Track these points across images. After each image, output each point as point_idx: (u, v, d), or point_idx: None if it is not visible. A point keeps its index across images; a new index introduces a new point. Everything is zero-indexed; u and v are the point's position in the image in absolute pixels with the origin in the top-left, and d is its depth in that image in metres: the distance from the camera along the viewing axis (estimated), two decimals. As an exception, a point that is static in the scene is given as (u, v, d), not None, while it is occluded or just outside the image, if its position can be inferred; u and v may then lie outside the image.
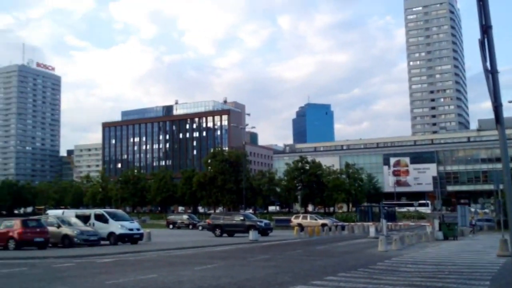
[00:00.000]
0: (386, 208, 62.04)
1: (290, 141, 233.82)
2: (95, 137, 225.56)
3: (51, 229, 24.92)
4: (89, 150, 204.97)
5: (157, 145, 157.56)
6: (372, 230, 36.68)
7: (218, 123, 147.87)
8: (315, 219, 51.95)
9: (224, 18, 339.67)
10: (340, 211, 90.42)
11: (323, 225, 47.18)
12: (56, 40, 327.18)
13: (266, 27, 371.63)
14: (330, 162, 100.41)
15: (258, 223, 37.97)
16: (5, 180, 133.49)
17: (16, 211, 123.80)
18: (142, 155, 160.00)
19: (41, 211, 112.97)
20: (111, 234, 27.48)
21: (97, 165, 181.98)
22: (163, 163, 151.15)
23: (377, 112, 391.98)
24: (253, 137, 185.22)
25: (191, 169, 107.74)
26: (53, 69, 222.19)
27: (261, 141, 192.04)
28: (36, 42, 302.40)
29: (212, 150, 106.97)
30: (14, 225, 23.77)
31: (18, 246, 22.96)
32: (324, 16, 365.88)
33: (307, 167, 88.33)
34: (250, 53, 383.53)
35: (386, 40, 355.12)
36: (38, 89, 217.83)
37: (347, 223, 52.59)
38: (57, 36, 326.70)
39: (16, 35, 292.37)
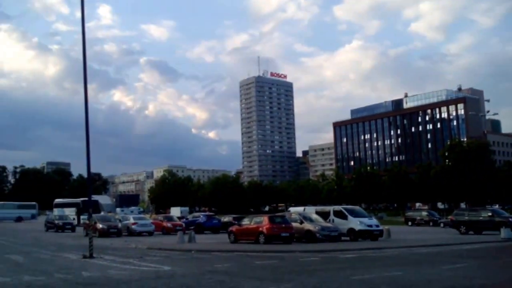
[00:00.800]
0: None
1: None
2: (327, 137, 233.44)
3: (294, 225, 26.20)
4: (322, 149, 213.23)
5: (388, 140, 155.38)
6: None
7: (453, 113, 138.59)
8: None
9: (452, 1, 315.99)
10: None
11: None
12: (286, 50, 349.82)
13: (502, 2, 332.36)
14: None
15: (510, 219, 33.82)
16: (251, 181, 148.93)
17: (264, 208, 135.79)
18: (373, 151, 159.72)
19: (278, 208, 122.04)
20: (350, 230, 27.63)
21: (331, 164, 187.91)
22: (396, 158, 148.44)
23: None
24: (495, 124, 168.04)
25: (426, 163, 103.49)
26: (285, 77, 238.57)
27: (505, 129, 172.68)
28: (269, 54, 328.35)
29: (448, 142, 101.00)
30: (263, 221, 25.64)
31: (267, 240, 24.63)
32: None
33: None
34: (485, 34, 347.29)
35: None
36: (273, 97, 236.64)
37: None
38: (286, 46, 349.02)
39: (252, 50, 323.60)
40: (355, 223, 27.69)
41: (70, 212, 57.47)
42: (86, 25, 20.84)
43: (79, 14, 21.04)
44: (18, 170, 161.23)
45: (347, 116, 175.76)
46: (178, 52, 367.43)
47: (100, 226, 33.79)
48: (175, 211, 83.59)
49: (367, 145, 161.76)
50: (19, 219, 74.64)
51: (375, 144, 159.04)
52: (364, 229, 27.51)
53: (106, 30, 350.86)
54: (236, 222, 32.50)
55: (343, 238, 27.15)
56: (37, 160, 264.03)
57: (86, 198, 26.07)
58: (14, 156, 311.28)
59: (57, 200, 71.90)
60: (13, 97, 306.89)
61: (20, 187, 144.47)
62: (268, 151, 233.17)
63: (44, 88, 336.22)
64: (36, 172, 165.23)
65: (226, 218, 42.35)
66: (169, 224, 38.49)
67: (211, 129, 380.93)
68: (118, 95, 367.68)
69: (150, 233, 35.81)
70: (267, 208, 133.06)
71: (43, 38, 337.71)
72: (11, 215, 75.29)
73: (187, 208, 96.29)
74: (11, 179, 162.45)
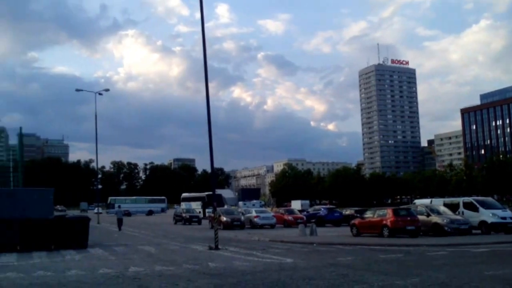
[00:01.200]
0: None
1: None
2: (455, 125, 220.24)
3: (420, 217, 25.16)
4: (449, 138, 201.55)
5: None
6: None
7: None
8: None
9: None
10: None
11: None
12: (407, 35, 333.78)
13: None
14: None
15: None
16: (373, 173, 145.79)
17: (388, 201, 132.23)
18: (506, 138, 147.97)
19: (402, 200, 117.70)
20: (482, 223, 25.90)
21: (459, 153, 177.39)
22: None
23: None
24: None
25: None
26: (407, 63, 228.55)
27: None
28: (389, 40, 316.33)
29: None
30: (386, 214, 24.94)
31: (391, 233, 23.93)
32: None
33: None
34: None
35: None
36: (395, 85, 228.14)
37: None
38: (408, 30, 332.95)
39: (370, 38, 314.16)
40: (487, 216, 25.89)
41: (196, 206, 60.39)
42: (206, 25, 21.74)
43: (198, 15, 22.04)
44: (148, 167, 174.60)
45: (476, 101, 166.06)
46: (295, 45, 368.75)
47: (224, 219, 35.11)
48: (296, 204, 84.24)
49: (499, 131, 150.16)
50: (150, 213, 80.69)
51: (508, 130, 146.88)
52: (498, 222, 25.59)
53: (224, 28, 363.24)
54: (358, 215, 31.99)
55: (474, 231, 25.56)
56: (164, 157, 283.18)
57: (211, 192, 27.31)
58: (143, 154, 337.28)
59: (184, 194, 75.76)
60: (141, 98, 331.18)
61: (150, 183, 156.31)
62: (390, 141, 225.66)
63: (169, 88, 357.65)
64: (164, 168, 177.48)
65: (347, 211, 41.88)
66: (290, 217, 38.84)
67: (330, 121, 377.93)
68: (237, 92, 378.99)
69: (271, 226, 36.50)
70: (389, 201, 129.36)
71: (166, 40, 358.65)
72: (143, 209, 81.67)
73: (307, 201, 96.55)
74: (142, 175, 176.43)
